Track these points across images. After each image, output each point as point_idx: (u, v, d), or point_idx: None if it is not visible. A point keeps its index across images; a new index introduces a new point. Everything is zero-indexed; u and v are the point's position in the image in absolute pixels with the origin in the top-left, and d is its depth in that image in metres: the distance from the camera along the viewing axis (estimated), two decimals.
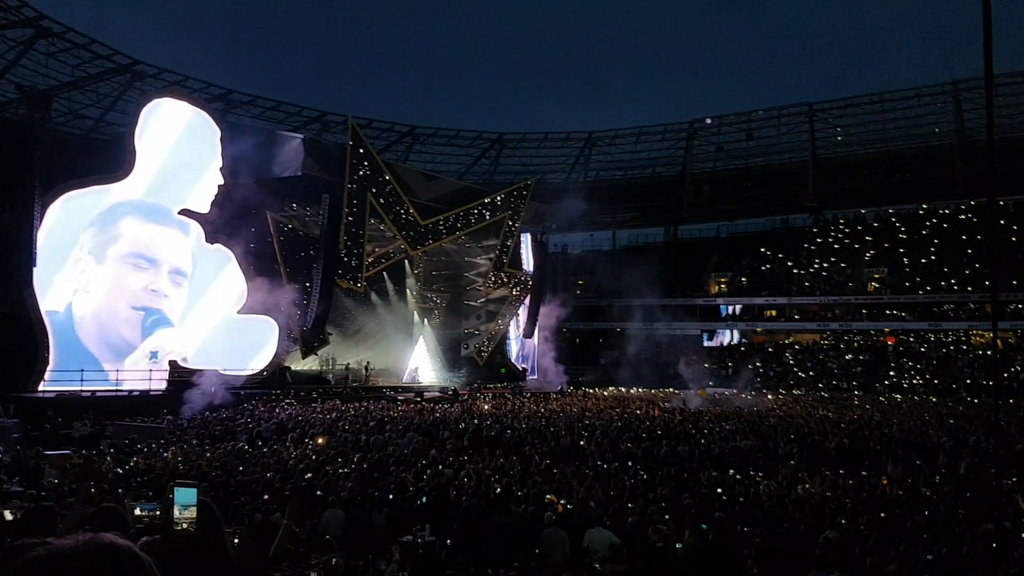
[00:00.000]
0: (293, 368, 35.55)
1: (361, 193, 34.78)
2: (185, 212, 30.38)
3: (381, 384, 39.18)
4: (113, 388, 27.46)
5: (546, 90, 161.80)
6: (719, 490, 11.99)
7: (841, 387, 46.29)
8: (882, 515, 10.21)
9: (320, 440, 17.78)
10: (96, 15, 79.25)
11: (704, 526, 9.00)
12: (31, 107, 30.14)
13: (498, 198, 42.60)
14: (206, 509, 2.94)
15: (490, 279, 44.58)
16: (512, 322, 47.60)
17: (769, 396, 39.61)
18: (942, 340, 50.52)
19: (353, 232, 34.82)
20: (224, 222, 30.85)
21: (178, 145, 30.51)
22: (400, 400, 31.82)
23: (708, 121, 63.14)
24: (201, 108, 32.50)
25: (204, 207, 30.49)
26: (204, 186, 30.66)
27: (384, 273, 42.85)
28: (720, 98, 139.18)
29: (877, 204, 60.92)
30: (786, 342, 55.72)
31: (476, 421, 22.74)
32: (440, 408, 27.97)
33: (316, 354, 36.99)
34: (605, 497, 11.41)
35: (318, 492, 11.00)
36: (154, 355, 29.45)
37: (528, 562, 8.66)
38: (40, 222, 26.79)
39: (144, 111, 29.96)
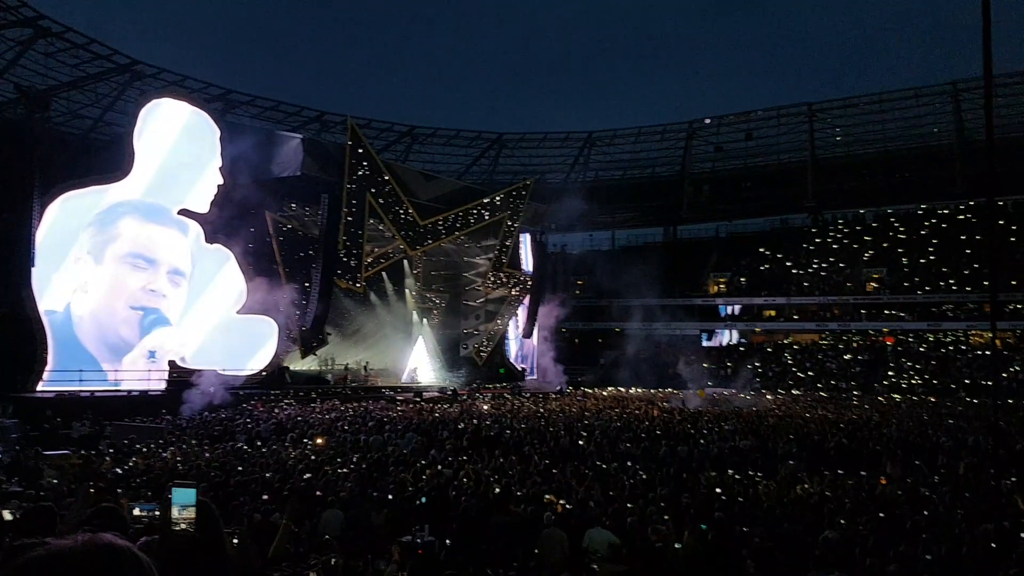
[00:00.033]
0: (292, 368, 35.55)
1: (360, 193, 34.77)
2: (184, 212, 30.38)
3: (380, 384, 39.17)
4: (112, 388, 27.44)
5: (546, 90, 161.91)
6: (718, 490, 11.98)
7: (840, 387, 46.29)
8: (881, 515, 10.21)
9: (319, 440, 17.77)
10: (95, 15, 79.22)
11: (703, 526, 9.00)
12: (30, 107, 30.16)
13: (497, 198, 42.60)
14: (205, 509, 2.94)
15: (489, 279, 44.58)
16: (511, 322, 47.61)
17: (768, 396, 39.62)
18: (941, 340, 50.55)
19: (352, 232, 34.81)
20: (223, 222, 30.84)
21: (177, 145, 30.51)
22: (399, 400, 31.80)
23: (707, 121, 63.18)
24: (200, 108, 32.50)
25: (203, 207, 30.49)
26: (203, 186, 30.66)
27: (383, 273, 42.85)
28: (719, 98, 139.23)
29: (876, 204, 60.98)
30: (785, 342, 55.74)
31: (475, 421, 22.73)
32: (439, 408, 27.96)
33: (315, 354, 36.99)
34: (604, 497, 11.40)
35: (317, 492, 10.99)
36: (152, 354, 29.44)
37: (527, 562, 8.65)
38: (39, 222, 26.79)
39: (143, 111, 29.96)
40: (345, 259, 34.70)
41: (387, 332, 42.89)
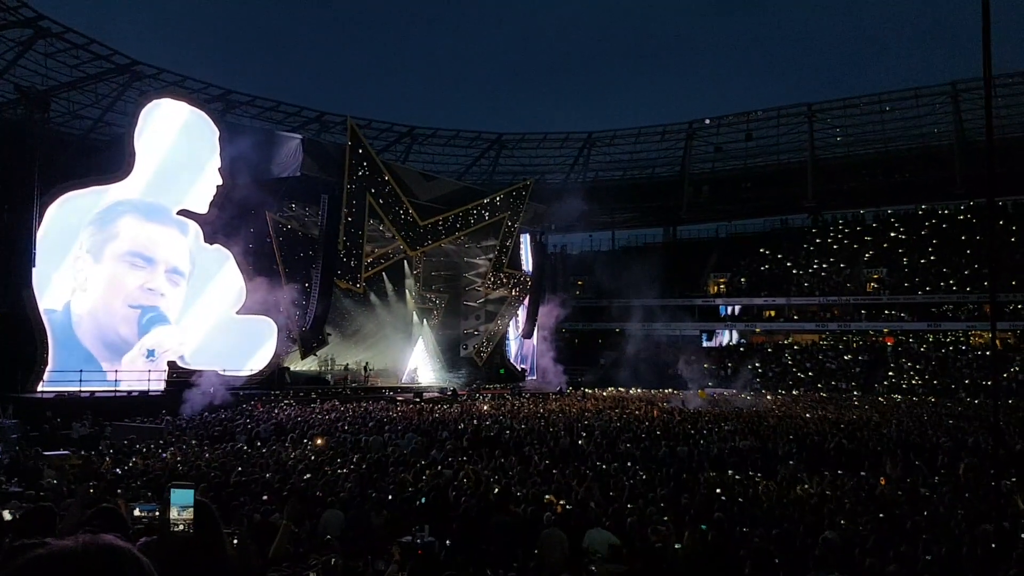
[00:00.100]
0: (292, 369, 35.54)
1: (360, 193, 34.77)
2: (184, 213, 30.39)
3: (380, 385, 39.16)
4: (112, 389, 27.43)
5: (545, 90, 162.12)
6: (718, 490, 11.98)
7: (840, 387, 46.32)
8: (881, 516, 10.21)
9: (319, 441, 17.77)
10: (95, 15, 79.30)
11: (703, 526, 8.99)
12: (30, 107, 30.15)
13: (497, 198, 42.60)
14: (205, 510, 2.94)
15: (489, 279, 44.57)
16: (511, 322, 47.60)
17: (768, 396, 39.64)
18: (941, 340, 50.58)
19: (352, 232, 34.81)
20: (223, 222, 30.85)
21: (177, 145, 30.52)
22: (399, 401, 31.80)
23: (707, 121, 63.23)
24: (200, 108, 32.53)
25: (203, 207, 30.50)
26: (203, 186, 30.68)
27: (383, 274, 42.84)
28: (719, 98, 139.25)
29: (876, 204, 61.05)
30: (785, 342, 55.76)
31: (475, 422, 22.72)
32: (439, 409, 27.96)
33: (315, 355, 36.99)
34: (604, 498, 11.40)
35: (317, 493, 10.99)
36: (151, 353, 29.44)
37: (527, 562, 8.65)
38: (39, 222, 26.80)
39: (143, 111, 29.98)
40: (345, 259, 34.70)
41: (387, 333, 42.88)
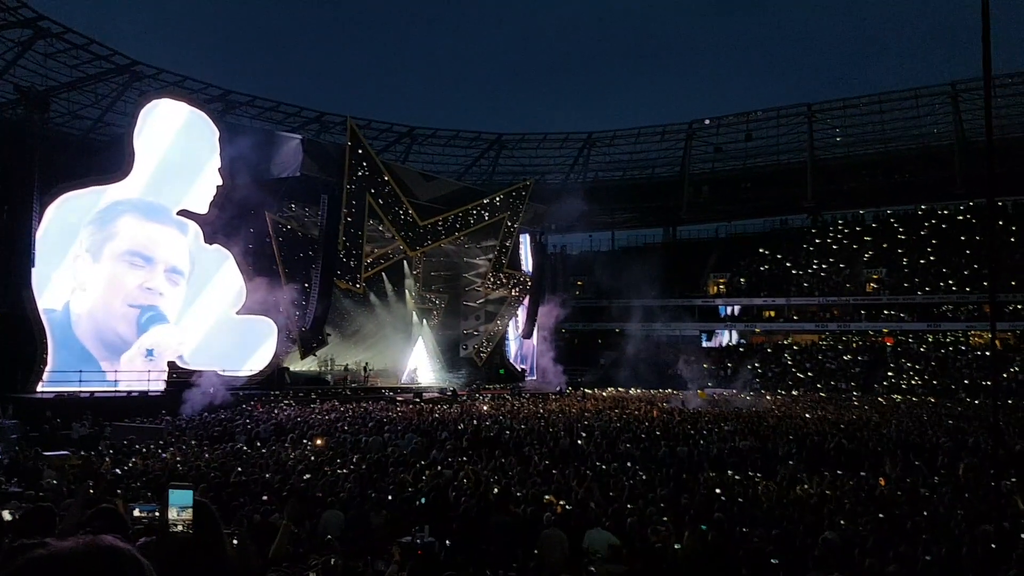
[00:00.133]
0: (292, 369, 35.54)
1: (360, 194, 34.77)
2: (184, 213, 30.39)
3: (380, 385, 39.16)
4: (112, 389, 27.44)
5: (545, 91, 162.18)
6: (718, 491, 11.97)
7: (840, 388, 46.32)
8: (881, 516, 10.21)
9: (319, 441, 17.77)
10: (95, 15, 79.33)
11: (703, 527, 8.99)
12: (30, 108, 30.13)
13: (497, 199, 42.60)
14: (204, 510, 2.94)
15: (489, 280, 44.57)
16: (511, 323, 47.60)
17: (768, 397, 39.64)
18: (940, 341, 50.58)
19: (352, 233, 34.81)
20: (223, 222, 30.86)
21: (176, 145, 30.53)
22: (399, 401, 31.80)
23: (707, 122, 63.23)
24: (200, 108, 32.54)
25: (202, 208, 30.50)
26: (202, 187, 30.68)
27: (383, 274, 42.85)
28: (719, 99, 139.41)
29: (876, 205, 61.07)
30: (785, 343, 55.75)
31: (475, 422, 22.71)
32: (439, 409, 27.95)
33: (315, 355, 36.99)
34: (604, 498, 11.39)
35: (317, 493, 10.99)
36: (150, 352, 29.44)
37: (527, 563, 8.65)
38: (39, 223, 26.81)
39: (143, 111, 30.00)
40: (345, 260, 34.70)
41: (387, 333, 42.88)
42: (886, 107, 57.82)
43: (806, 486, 13.12)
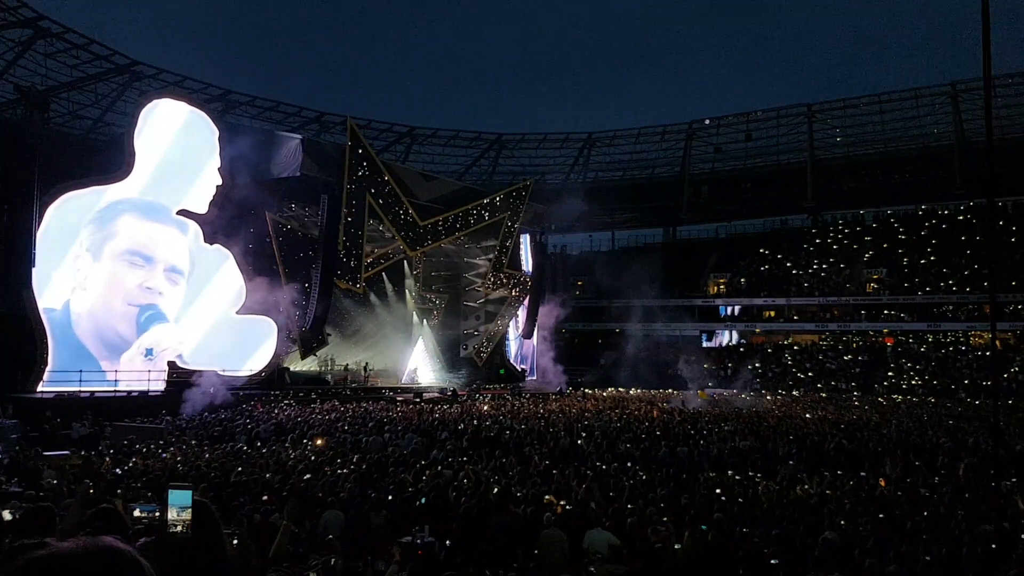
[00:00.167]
0: (292, 369, 35.55)
1: (360, 194, 34.77)
2: (184, 213, 30.39)
3: (380, 385, 39.16)
4: (112, 389, 27.44)
5: (545, 91, 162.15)
6: (718, 491, 11.97)
7: (840, 388, 46.32)
8: (881, 516, 10.21)
9: (319, 441, 17.77)
10: (95, 15, 79.30)
11: (703, 527, 8.99)
12: (30, 108, 30.13)
13: (497, 199, 42.60)
14: (204, 510, 2.94)
15: (489, 280, 44.58)
16: (511, 323, 47.61)
17: (768, 397, 39.64)
18: (941, 341, 50.57)
19: (352, 233, 34.81)
20: (223, 222, 30.86)
21: (176, 145, 30.52)
22: (399, 401, 31.80)
23: (707, 122, 63.23)
24: (200, 108, 32.52)
25: (202, 208, 30.50)
26: (202, 187, 30.68)
27: (383, 274, 42.85)
28: (719, 99, 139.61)
29: (876, 205, 61.08)
30: (785, 343, 55.75)
31: (475, 422, 22.70)
32: (439, 409, 27.95)
33: (315, 355, 36.99)
34: (604, 498, 11.40)
35: (318, 493, 10.99)
36: (149, 352, 29.44)
37: (527, 563, 8.65)
38: (39, 223, 26.81)
39: (143, 111, 29.99)
40: (345, 260, 34.70)
41: (387, 333, 42.89)
42: (886, 107, 57.82)
43: (806, 486, 13.12)
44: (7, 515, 5.44)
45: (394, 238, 38.37)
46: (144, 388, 28.13)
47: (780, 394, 42.40)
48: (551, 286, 52.79)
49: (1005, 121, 51.82)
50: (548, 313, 49.36)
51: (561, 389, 43.26)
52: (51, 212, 27.27)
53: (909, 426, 22.98)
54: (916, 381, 46.29)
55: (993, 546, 8.37)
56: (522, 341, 49.74)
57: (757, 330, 57.50)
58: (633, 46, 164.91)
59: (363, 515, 9.98)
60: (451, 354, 46.66)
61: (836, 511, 10.70)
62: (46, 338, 26.90)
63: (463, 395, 36.02)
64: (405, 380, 42.19)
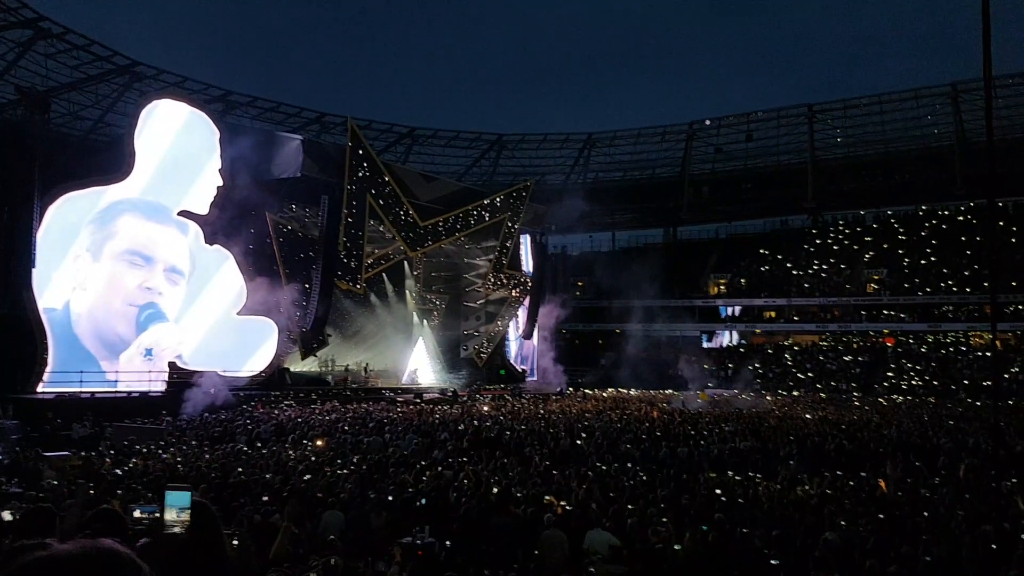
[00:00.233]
0: (292, 369, 35.52)
1: (360, 194, 34.78)
2: (184, 213, 30.42)
3: (380, 385, 39.15)
4: (112, 389, 27.45)
5: (546, 91, 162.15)
6: (718, 491, 11.97)
7: (840, 388, 46.29)
8: (881, 517, 10.20)
9: (319, 442, 17.77)
10: (95, 16, 79.33)
11: (704, 527, 9.00)
12: (30, 108, 30.15)
13: (497, 199, 42.61)
14: (204, 510, 2.94)
15: (489, 280, 44.59)
16: (511, 323, 47.61)
17: (768, 397, 39.62)
18: (941, 341, 50.55)
19: (352, 233, 34.82)
20: (223, 223, 30.87)
21: (177, 146, 30.55)
22: (399, 401, 31.81)
23: (707, 122, 63.22)
24: (200, 109, 32.55)
25: (203, 208, 30.52)
26: (203, 187, 30.71)
27: (383, 274, 42.84)
28: (719, 99, 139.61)
29: (876, 205, 61.05)
30: (785, 343, 55.73)
31: (475, 423, 22.71)
32: (439, 409, 27.96)
33: (315, 355, 36.97)
34: (604, 498, 11.39)
35: (318, 494, 10.99)
36: (149, 352, 29.45)
37: (527, 563, 8.65)
38: (39, 223, 26.83)
39: (143, 112, 30.02)
40: (345, 260, 34.71)
41: (387, 333, 42.88)
42: (886, 107, 57.81)
43: (807, 487, 13.12)
44: (7, 516, 5.44)
45: (394, 239, 38.39)
46: (145, 389, 28.15)
47: (780, 394, 42.38)
48: (551, 286, 52.79)
49: (1005, 122, 51.79)
50: (548, 313, 49.35)
51: (561, 389, 43.25)
52: (51, 212, 27.29)
53: (909, 427, 22.95)
54: (916, 382, 46.26)
55: (993, 547, 8.36)
56: (522, 342, 49.74)
57: (757, 330, 57.48)
58: (633, 46, 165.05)
59: (363, 516, 9.98)
60: (451, 355, 46.65)
61: (836, 512, 10.69)
62: (46, 338, 26.91)
63: (463, 396, 36.01)
64: (405, 381, 42.17)
